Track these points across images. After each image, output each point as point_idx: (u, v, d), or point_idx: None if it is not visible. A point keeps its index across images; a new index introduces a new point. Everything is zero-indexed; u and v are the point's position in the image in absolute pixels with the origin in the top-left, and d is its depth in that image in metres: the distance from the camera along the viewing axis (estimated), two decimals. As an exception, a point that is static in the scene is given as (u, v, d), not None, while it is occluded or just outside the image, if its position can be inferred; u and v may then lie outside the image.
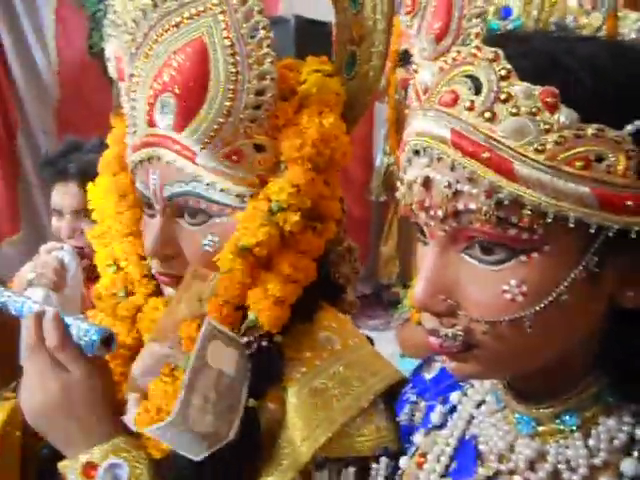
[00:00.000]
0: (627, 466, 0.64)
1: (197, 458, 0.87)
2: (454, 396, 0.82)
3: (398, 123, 3.28)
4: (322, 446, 0.90)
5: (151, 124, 0.95)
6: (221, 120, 0.91)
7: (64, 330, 0.88)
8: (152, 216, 1.00)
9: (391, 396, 0.94)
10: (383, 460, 0.87)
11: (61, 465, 0.89)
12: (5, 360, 0.97)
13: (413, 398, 0.89)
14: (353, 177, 4.19)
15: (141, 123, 0.96)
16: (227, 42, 0.90)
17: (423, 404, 0.87)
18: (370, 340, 2.01)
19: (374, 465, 0.88)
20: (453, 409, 0.82)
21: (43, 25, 4.13)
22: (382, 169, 4.34)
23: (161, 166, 0.95)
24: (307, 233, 0.96)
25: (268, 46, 0.91)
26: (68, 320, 0.89)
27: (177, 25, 0.92)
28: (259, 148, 0.95)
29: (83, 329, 0.87)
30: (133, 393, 0.98)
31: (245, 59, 0.90)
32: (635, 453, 0.65)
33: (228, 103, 0.91)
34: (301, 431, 0.91)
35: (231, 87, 0.90)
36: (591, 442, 0.66)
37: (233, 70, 0.90)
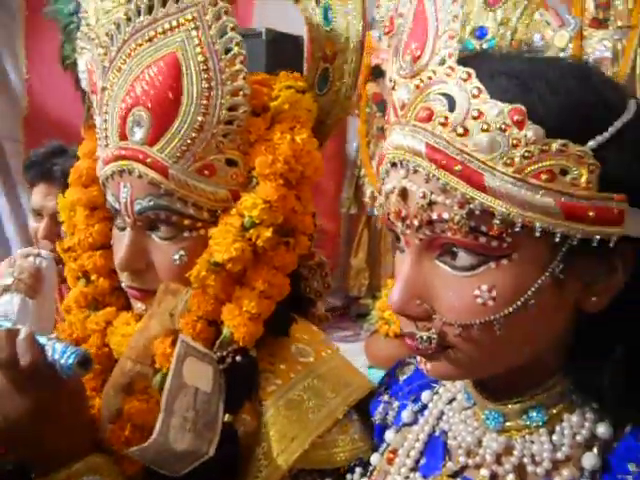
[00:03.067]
0: (587, 460, 0.68)
1: (177, 475, 0.87)
2: (425, 395, 0.86)
3: (369, 136, 3.33)
4: (298, 458, 0.91)
5: (123, 137, 0.95)
6: (193, 135, 0.92)
7: (38, 350, 0.84)
8: (122, 229, 1.00)
9: (364, 406, 0.96)
10: (357, 471, 0.90)
11: None
12: None
13: (386, 398, 0.92)
14: (324, 189, 4.22)
15: (113, 136, 0.96)
16: (200, 58, 0.91)
17: (396, 404, 0.90)
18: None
19: (348, 476, 0.91)
20: (424, 407, 0.85)
21: (12, 32, 4.12)
22: (353, 182, 4.40)
23: (132, 179, 0.95)
24: (280, 249, 0.96)
25: (241, 62, 0.92)
26: (42, 340, 0.86)
27: (150, 39, 0.93)
28: (231, 163, 0.95)
29: (59, 350, 0.84)
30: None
31: (218, 75, 0.91)
32: (595, 448, 0.69)
33: (200, 118, 0.91)
34: (278, 443, 0.92)
35: (204, 102, 0.91)
36: (555, 437, 0.70)
37: (206, 86, 0.91)
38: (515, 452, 0.71)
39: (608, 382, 0.67)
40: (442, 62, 0.66)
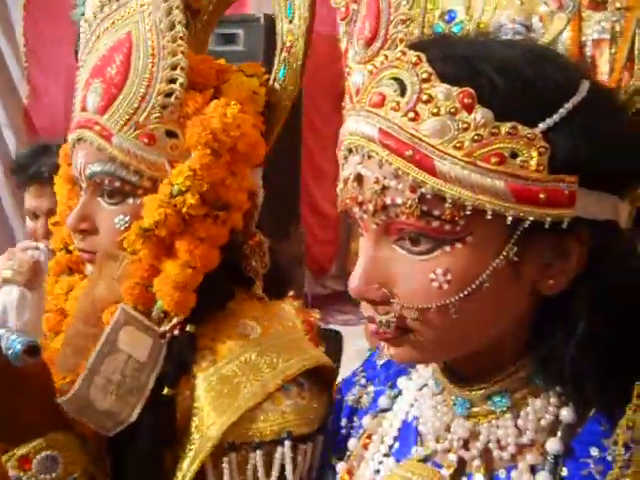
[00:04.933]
0: (551, 445, 0.69)
1: (108, 434, 0.93)
2: (401, 381, 0.86)
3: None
4: (228, 430, 0.94)
5: (83, 108, 1.04)
6: (136, 105, 1.00)
7: None
8: (81, 196, 1.08)
9: (314, 377, 1.00)
10: (287, 444, 0.93)
11: (2, 459, 0.93)
12: None
13: (363, 382, 0.93)
14: (325, 174, 4.21)
15: (77, 108, 1.06)
16: (148, 35, 1.01)
17: (372, 389, 0.91)
18: (339, 335, 2.02)
19: (279, 449, 0.93)
20: (399, 393, 0.86)
21: (12, 21, 4.12)
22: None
23: (85, 146, 1.03)
24: (207, 220, 0.99)
25: (181, 38, 1.00)
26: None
27: (114, 23, 1.03)
28: (170, 134, 1.01)
29: (9, 341, 0.90)
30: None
31: (161, 50, 1.00)
32: (559, 433, 0.69)
33: (143, 90, 1.00)
34: (208, 417, 0.96)
35: (146, 75, 1.00)
36: (520, 422, 0.70)
37: (150, 60, 1.00)
38: (481, 437, 0.72)
39: (569, 365, 0.67)
40: (394, 47, 0.66)
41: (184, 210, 0.97)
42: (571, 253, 0.66)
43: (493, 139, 0.62)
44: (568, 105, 0.63)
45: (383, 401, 0.86)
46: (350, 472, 0.85)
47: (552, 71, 0.65)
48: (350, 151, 0.69)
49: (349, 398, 0.93)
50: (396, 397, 0.86)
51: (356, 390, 0.93)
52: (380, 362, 0.93)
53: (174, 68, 1.00)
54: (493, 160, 0.62)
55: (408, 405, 0.83)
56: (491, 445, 0.71)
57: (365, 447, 0.84)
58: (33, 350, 0.89)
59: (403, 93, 0.64)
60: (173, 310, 0.98)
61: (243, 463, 0.95)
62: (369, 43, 0.67)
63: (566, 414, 0.69)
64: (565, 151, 0.63)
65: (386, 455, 0.81)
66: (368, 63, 0.67)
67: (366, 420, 0.87)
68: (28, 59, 4.19)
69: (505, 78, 0.63)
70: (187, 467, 0.95)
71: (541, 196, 0.62)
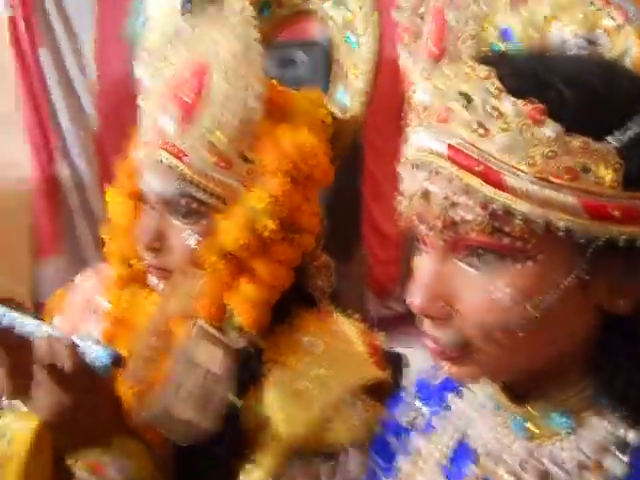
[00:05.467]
0: (615, 467, 0.66)
1: (183, 444, 0.97)
2: (454, 400, 0.84)
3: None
4: (299, 441, 0.99)
5: (155, 130, 1.07)
6: (213, 130, 1.03)
7: (78, 356, 0.94)
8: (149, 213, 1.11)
9: (373, 393, 1.04)
10: (353, 455, 0.95)
11: (69, 461, 0.97)
12: (19, 374, 1.02)
13: (418, 403, 0.91)
14: (384, 193, 4.19)
15: (148, 128, 1.09)
16: (226, 63, 1.04)
17: (426, 410, 0.89)
18: (401, 358, 2.03)
19: (341, 458, 0.96)
20: (451, 411, 0.84)
21: (82, 48, 4.26)
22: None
23: (160, 166, 1.06)
24: (284, 244, 1.04)
25: (260, 68, 1.05)
26: (80, 343, 0.95)
27: (187, 47, 1.07)
28: (246, 159, 1.05)
29: (95, 353, 0.93)
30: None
31: (239, 79, 1.04)
32: (624, 457, 0.66)
33: (220, 115, 1.03)
34: (279, 427, 0.99)
35: (225, 102, 1.03)
36: (582, 443, 0.68)
37: (227, 87, 1.03)
38: (542, 459, 0.70)
39: (635, 386, 0.65)
40: (462, 62, 0.65)
41: (265, 234, 1.01)
42: None
43: (564, 154, 0.61)
44: None
45: (436, 421, 0.85)
46: None
47: (623, 84, 0.64)
48: (416, 167, 0.68)
49: (403, 419, 0.91)
50: (449, 417, 0.84)
51: (410, 411, 0.91)
52: (435, 383, 0.91)
53: (253, 96, 1.04)
54: (565, 176, 0.60)
55: (462, 424, 0.81)
56: (551, 467, 0.69)
57: (416, 466, 0.83)
58: (118, 361, 0.93)
59: (472, 109, 0.64)
60: (250, 327, 1.02)
61: (309, 472, 0.99)
62: (437, 59, 0.67)
63: (632, 436, 0.66)
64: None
65: (439, 475, 0.79)
66: (435, 79, 0.67)
67: (419, 440, 0.86)
68: (99, 89, 4.31)
69: (575, 91, 0.62)
70: (257, 474, 0.98)
71: (615, 213, 0.61)
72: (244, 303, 1.02)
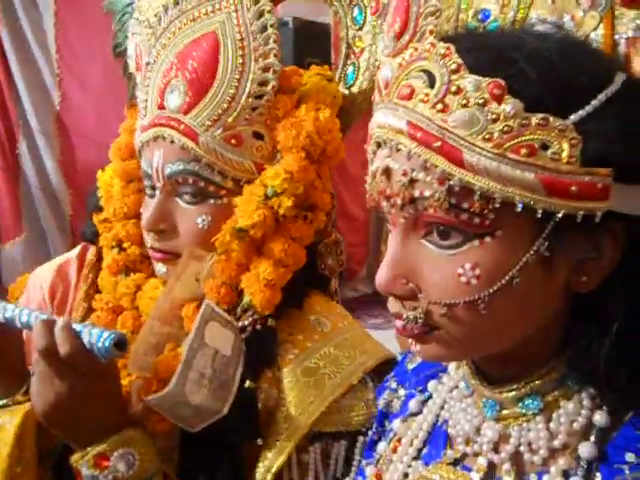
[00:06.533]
0: (584, 449, 0.66)
1: (192, 430, 0.93)
2: (431, 385, 0.85)
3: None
4: (316, 420, 0.97)
5: (160, 107, 1.03)
6: (225, 106, 1.00)
7: (76, 338, 0.89)
8: (152, 197, 1.07)
9: (381, 373, 1.00)
10: (370, 434, 0.92)
11: (73, 459, 0.92)
12: (13, 367, 1.01)
13: (394, 386, 0.92)
14: (354, 177, 4.20)
15: (151, 106, 1.04)
16: (237, 36, 1.01)
17: (402, 392, 0.90)
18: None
19: (360, 438, 0.94)
20: (430, 397, 0.84)
21: (44, 28, 4.19)
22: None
23: (165, 145, 1.02)
24: (298, 221, 1.02)
25: (274, 42, 1.01)
26: (78, 327, 0.90)
27: (194, 20, 1.03)
28: (258, 136, 1.03)
29: (95, 335, 0.88)
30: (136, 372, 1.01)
31: (252, 52, 1.01)
32: (592, 437, 0.67)
33: (232, 91, 1.00)
34: (296, 407, 0.97)
35: (236, 76, 1.00)
36: (552, 425, 0.68)
37: (240, 61, 1.00)
38: (511, 440, 0.70)
39: (603, 365, 0.65)
40: (423, 39, 0.65)
41: (280, 212, 0.99)
42: (604, 249, 0.64)
43: (523, 130, 0.61)
44: (601, 96, 0.62)
45: (413, 405, 0.85)
46: (379, 476, 0.84)
47: (586, 62, 0.64)
48: (379, 145, 0.68)
49: (380, 403, 0.92)
50: (426, 401, 0.85)
51: (386, 394, 0.92)
52: (411, 366, 0.92)
53: (266, 70, 1.01)
54: (523, 152, 0.61)
55: (438, 408, 0.81)
56: (522, 448, 0.70)
57: (394, 451, 0.83)
58: (122, 343, 0.88)
59: (432, 85, 0.63)
60: (262, 307, 0.99)
61: (327, 452, 0.97)
62: (399, 36, 0.67)
63: (599, 418, 0.67)
64: (598, 143, 0.61)
65: (415, 458, 0.80)
66: (397, 56, 0.67)
67: (396, 424, 0.86)
68: (60, 65, 4.25)
69: (537, 68, 0.62)
70: (274, 457, 0.96)
71: (573, 189, 0.61)
72: (258, 283, 0.99)
